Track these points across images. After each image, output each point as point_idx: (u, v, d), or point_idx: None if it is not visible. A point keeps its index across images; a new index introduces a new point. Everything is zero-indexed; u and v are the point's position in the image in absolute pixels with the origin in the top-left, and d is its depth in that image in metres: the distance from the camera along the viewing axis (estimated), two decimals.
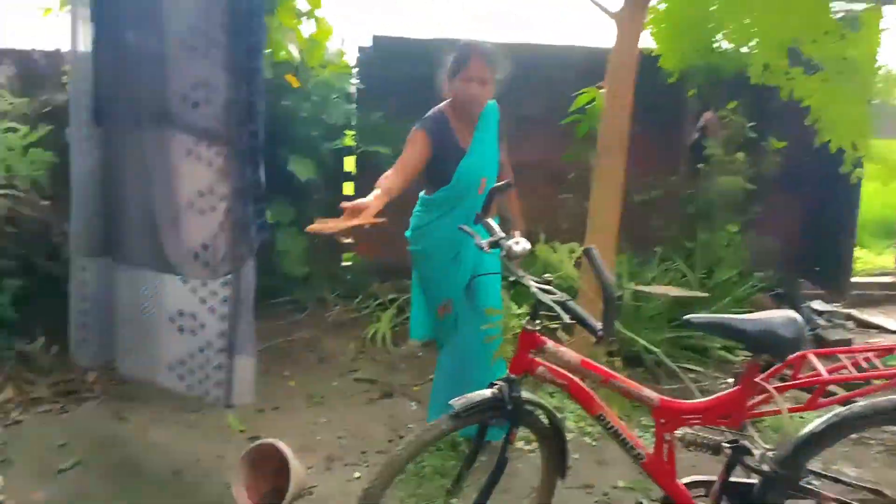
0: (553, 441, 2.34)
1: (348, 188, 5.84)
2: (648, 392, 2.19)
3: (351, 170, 5.80)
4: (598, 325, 1.92)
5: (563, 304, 1.99)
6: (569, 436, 3.54)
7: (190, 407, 3.64)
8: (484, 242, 2.27)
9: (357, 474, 3.14)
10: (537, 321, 2.13)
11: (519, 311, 3.13)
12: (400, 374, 4.32)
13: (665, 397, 2.20)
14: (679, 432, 2.17)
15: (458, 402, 2.06)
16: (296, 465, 2.82)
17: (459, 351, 3.19)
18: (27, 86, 4.82)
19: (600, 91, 5.05)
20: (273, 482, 2.93)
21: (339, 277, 5.56)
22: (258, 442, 2.89)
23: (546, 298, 2.02)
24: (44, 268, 4.16)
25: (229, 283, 3.16)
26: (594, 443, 3.51)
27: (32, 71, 4.81)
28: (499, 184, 2.50)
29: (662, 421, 2.19)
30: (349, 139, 5.54)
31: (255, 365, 3.20)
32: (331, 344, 4.71)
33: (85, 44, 3.33)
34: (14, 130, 4.24)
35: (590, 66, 5.42)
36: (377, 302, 5.26)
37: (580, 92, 5.11)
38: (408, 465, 2.12)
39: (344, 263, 5.77)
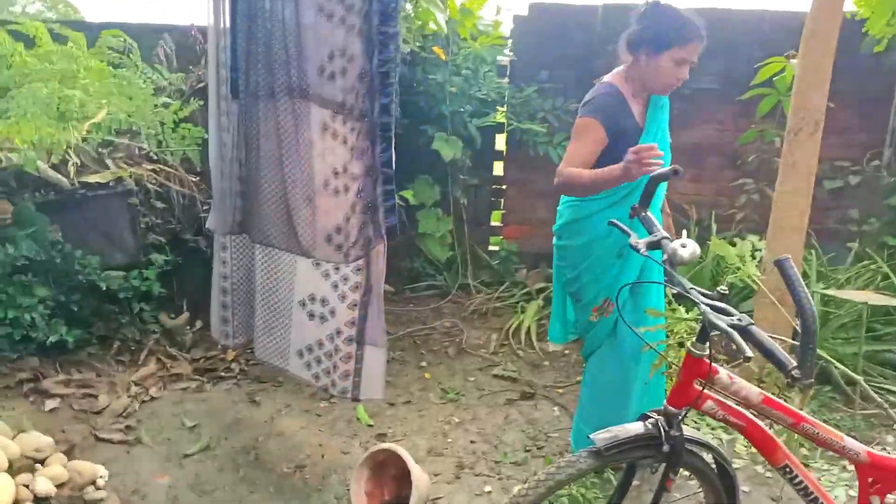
0: (720, 487, 1.89)
1: (498, 167, 5.50)
2: (852, 443, 1.69)
3: (501, 148, 5.45)
4: (792, 361, 1.45)
5: (743, 331, 1.52)
6: (738, 463, 3.06)
7: (321, 395, 3.50)
8: (641, 243, 1.85)
9: (488, 488, 2.82)
10: (706, 345, 1.69)
11: (686, 317, 2.68)
12: (544, 373, 3.96)
13: (876, 451, 1.70)
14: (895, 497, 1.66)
15: (602, 438, 1.68)
16: (419, 475, 2.55)
17: (614, 360, 2.76)
18: (183, 61, 4.89)
19: (790, 61, 4.37)
20: (395, 489, 2.69)
21: (484, 263, 5.25)
22: (380, 447, 2.64)
23: (720, 321, 1.56)
24: (191, 243, 4.18)
25: (361, 269, 2.96)
26: (769, 474, 2.98)
27: (189, 46, 4.86)
28: (663, 170, 2.02)
29: (871, 481, 1.69)
30: (500, 115, 5.19)
31: (386, 357, 2.97)
32: (472, 334, 4.42)
33: (224, 16, 3.21)
34: (167, 106, 4.28)
35: (776, 32, 4.75)
36: (524, 291, 4.91)
37: (765, 62, 4.45)
38: None
39: (490, 248, 5.45)
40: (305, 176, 3.01)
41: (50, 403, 3.26)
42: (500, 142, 5.46)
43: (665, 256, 1.79)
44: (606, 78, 2.71)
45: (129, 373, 3.65)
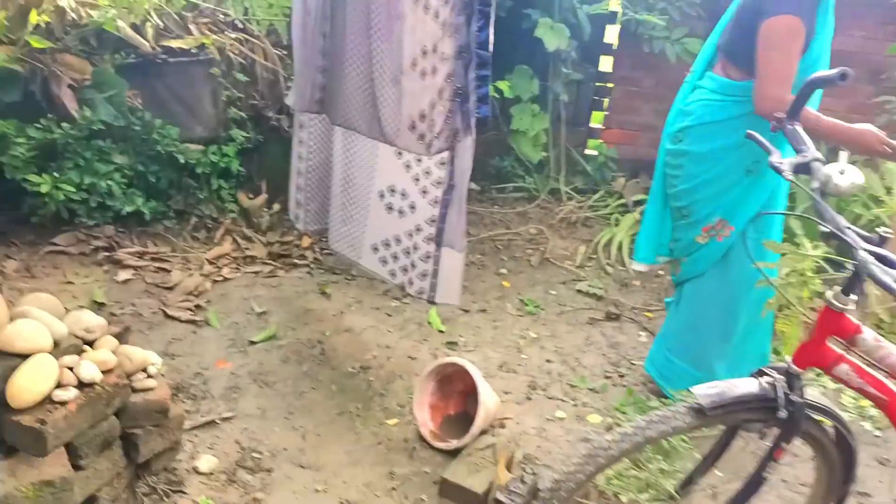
0: (837, 458, 1.60)
1: (606, 62, 5.02)
2: None
3: (611, 41, 4.95)
4: None
5: None
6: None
7: (393, 294, 3.33)
8: (785, 163, 1.49)
9: (561, 413, 2.61)
10: (852, 296, 1.36)
11: (814, 252, 2.31)
12: (632, 294, 3.66)
13: None
14: None
15: (706, 393, 1.40)
16: (487, 394, 2.36)
17: (720, 291, 2.44)
18: None
19: None
20: (461, 404, 2.52)
21: (578, 168, 4.88)
22: (448, 360, 2.45)
23: (886, 276, 1.22)
24: (273, 121, 3.99)
25: (444, 164, 2.69)
26: (877, 432, 2.66)
27: None
28: (827, 72, 1.60)
29: None
30: (614, 2, 4.66)
31: (463, 262, 2.74)
32: (558, 244, 4.13)
33: None
34: None
35: None
36: (619, 202, 4.54)
37: None
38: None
39: (587, 151, 5.05)
40: (393, 53, 2.72)
41: (123, 274, 3.22)
42: (611, 34, 4.95)
43: (815, 183, 1.44)
44: None
45: (204, 250, 3.56)
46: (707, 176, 2.33)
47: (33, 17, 3.09)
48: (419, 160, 2.75)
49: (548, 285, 3.67)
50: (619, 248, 4.05)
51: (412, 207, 2.82)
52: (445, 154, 2.65)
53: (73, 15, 3.28)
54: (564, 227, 4.34)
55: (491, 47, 2.47)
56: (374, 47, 2.77)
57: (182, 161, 3.55)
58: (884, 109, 4.34)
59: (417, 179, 2.78)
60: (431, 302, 2.82)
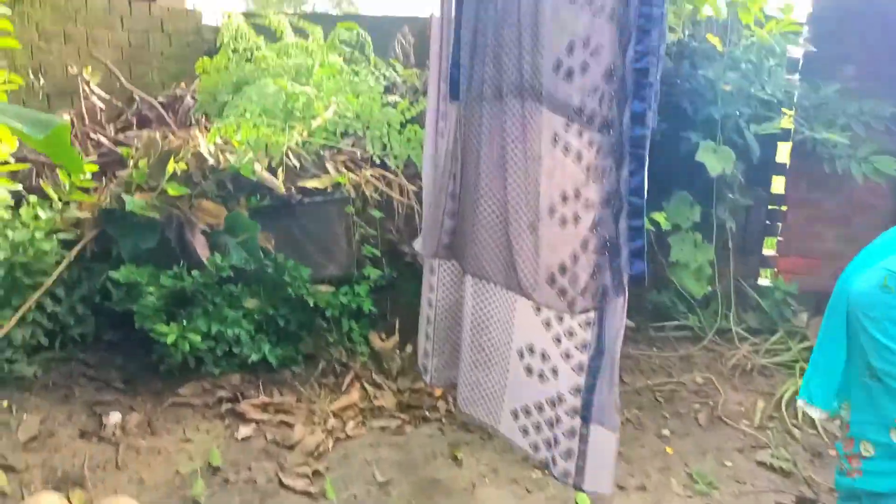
0: None
1: (778, 184, 4.46)
2: None
3: (783, 160, 4.40)
4: None
5: None
6: None
7: (534, 460, 2.88)
8: None
9: None
10: None
11: None
12: (830, 467, 2.97)
13: None
14: None
15: None
16: None
17: None
18: (423, 55, 4.52)
19: None
20: None
21: (751, 303, 4.26)
22: None
23: None
24: (408, 258, 3.77)
25: (591, 325, 2.28)
26: None
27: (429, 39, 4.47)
28: None
29: None
30: (786, 120, 4.15)
31: (617, 444, 2.28)
32: (731, 398, 3.52)
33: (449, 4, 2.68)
34: (397, 105, 3.91)
35: None
36: (803, 345, 3.87)
37: None
38: None
39: (760, 282, 4.44)
40: (530, 197, 2.40)
41: (244, 430, 3.01)
42: (782, 152, 4.42)
43: None
44: None
45: (331, 399, 3.31)
46: None
47: (171, 166, 3.09)
48: (560, 318, 2.36)
49: (721, 453, 3.06)
50: None
51: (554, 372, 2.41)
52: (592, 314, 2.25)
53: (212, 160, 3.27)
54: (738, 376, 3.72)
55: (645, 193, 2.08)
56: (510, 191, 2.47)
57: (311, 304, 3.38)
58: None
59: (559, 340, 2.38)
60: (578, 489, 2.35)
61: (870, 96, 4.01)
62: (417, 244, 2.89)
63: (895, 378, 1.91)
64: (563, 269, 2.31)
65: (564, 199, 2.28)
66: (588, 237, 2.22)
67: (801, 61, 4.21)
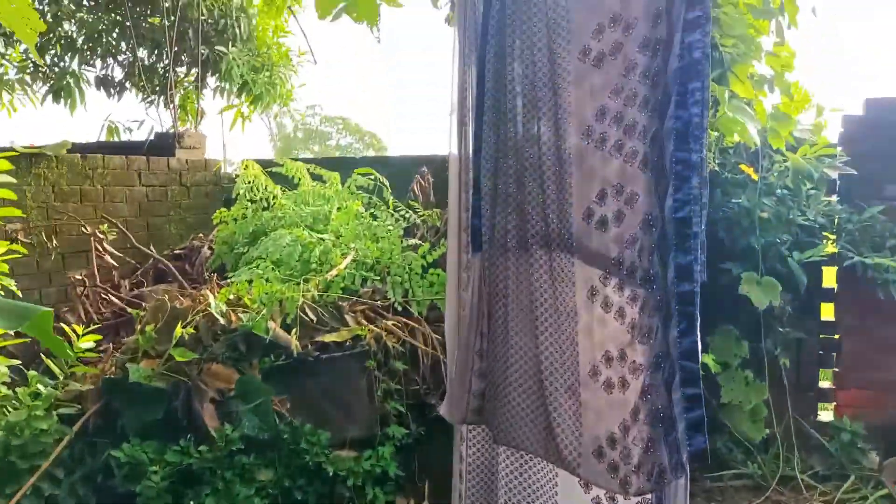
0: None
1: (827, 310, 4.17)
2: None
3: (831, 285, 4.13)
4: None
5: None
6: None
7: None
8: None
9: None
10: None
11: None
12: None
13: None
14: None
15: None
16: None
17: None
18: (443, 195, 4.41)
19: None
20: None
21: (813, 443, 3.87)
22: None
23: None
24: (435, 412, 3.48)
25: None
26: None
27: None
28: None
29: None
30: (830, 245, 3.92)
31: None
32: None
33: (467, 141, 2.55)
34: (418, 249, 3.76)
35: None
36: (881, 493, 3.45)
37: None
38: None
39: (820, 418, 4.06)
40: (567, 358, 2.15)
41: None
42: (828, 278, 4.15)
43: None
44: None
45: None
46: None
47: (178, 331, 2.91)
48: (613, 499, 2.05)
49: None
50: None
51: None
52: (650, 496, 1.94)
53: (223, 320, 3.09)
54: None
55: (700, 355, 1.84)
56: (542, 350, 2.22)
57: (330, 472, 3.08)
58: None
59: None
60: None
61: None
62: (443, 409, 2.62)
63: None
64: (612, 442, 2.03)
65: (608, 360, 2.03)
66: (638, 405, 1.95)
67: (837, 183, 4.03)
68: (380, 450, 3.27)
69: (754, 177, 3.58)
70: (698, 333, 1.84)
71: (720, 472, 3.76)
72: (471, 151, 2.47)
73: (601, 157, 2.05)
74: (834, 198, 4.02)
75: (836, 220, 3.87)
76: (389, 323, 3.49)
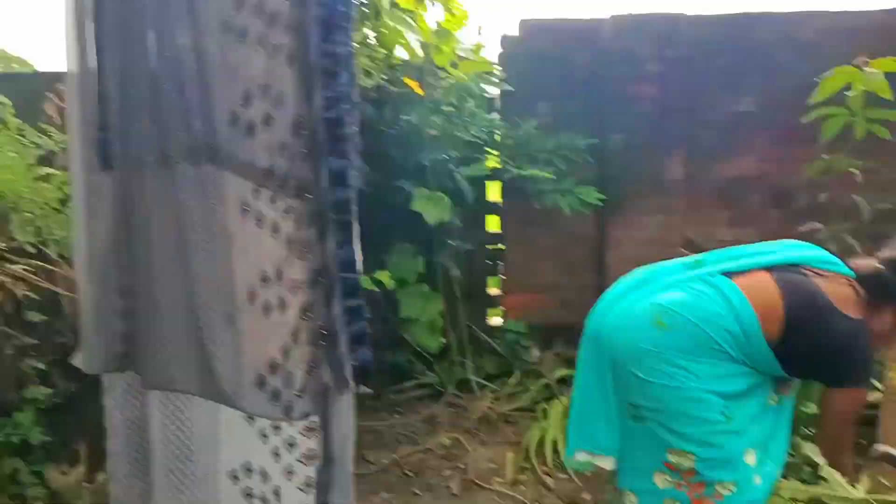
0: None
1: (493, 223, 4.45)
2: None
3: (496, 199, 4.41)
4: None
5: None
6: None
7: None
8: None
9: None
10: None
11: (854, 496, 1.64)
12: None
13: None
14: None
15: None
16: None
17: None
18: None
19: (865, 69, 3.41)
20: None
21: (486, 347, 4.15)
22: None
23: None
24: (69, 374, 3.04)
25: (314, 431, 1.85)
26: None
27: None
28: None
29: None
30: (493, 160, 4.14)
31: None
32: (480, 455, 3.30)
33: (88, 51, 2.11)
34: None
35: (841, 36, 3.84)
36: (540, 382, 3.81)
37: (825, 75, 3.46)
38: None
39: (491, 322, 4.36)
40: (222, 283, 1.91)
41: None
42: (493, 192, 4.42)
43: None
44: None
45: None
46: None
47: None
48: (277, 428, 1.90)
49: None
50: (555, 447, 3.26)
51: (276, 495, 1.93)
52: (314, 418, 1.82)
53: None
54: (484, 429, 3.53)
55: (359, 265, 1.73)
56: (195, 277, 1.95)
57: None
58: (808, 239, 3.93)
59: (278, 454, 1.91)
60: None
61: (565, 129, 4.12)
62: (78, 359, 2.23)
63: (661, 413, 1.81)
64: (273, 368, 1.84)
65: (265, 280, 1.83)
66: (299, 326, 1.79)
67: (499, 101, 4.25)
68: (17, 416, 2.76)
69: (420, 92, 3.60)
70: (356, 241, 1.72)
71: (402, 383, 3.87)
72: (94, 56, 2.05)
73: (244, 52, 1.80)
74: (495, 115, 4.23)
75: (496, 136, 4.08)
76: (19, 267, 2.92)
